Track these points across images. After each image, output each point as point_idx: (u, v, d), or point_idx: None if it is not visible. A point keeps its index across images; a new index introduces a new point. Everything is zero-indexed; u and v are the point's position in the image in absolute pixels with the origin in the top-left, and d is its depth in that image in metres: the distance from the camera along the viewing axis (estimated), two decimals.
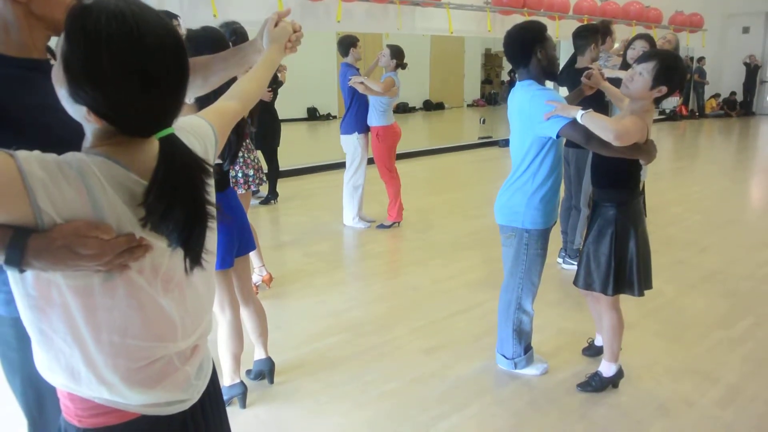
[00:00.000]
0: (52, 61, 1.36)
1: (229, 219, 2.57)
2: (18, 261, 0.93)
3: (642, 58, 2.54)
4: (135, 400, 1.09)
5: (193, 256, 1.08)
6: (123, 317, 1.04)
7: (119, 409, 1.09)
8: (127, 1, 0.97)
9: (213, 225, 1.11)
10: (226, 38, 2.57)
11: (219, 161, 2.51)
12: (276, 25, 1.57)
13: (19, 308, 1.03)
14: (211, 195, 1.12)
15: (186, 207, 1.03)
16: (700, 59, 15.31)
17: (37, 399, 1.42)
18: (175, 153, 1.03)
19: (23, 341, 1.22)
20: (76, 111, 1.00)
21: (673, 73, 2.48)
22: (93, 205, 0.96)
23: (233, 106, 1.40)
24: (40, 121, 1.25)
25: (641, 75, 2.49)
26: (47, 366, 1.06)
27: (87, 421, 1.09)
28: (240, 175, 3.82)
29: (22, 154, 0.92)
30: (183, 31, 3.06)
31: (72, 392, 1.08)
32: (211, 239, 1.15)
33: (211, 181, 1.13)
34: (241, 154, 3.73)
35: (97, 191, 0.97)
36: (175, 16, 3.51)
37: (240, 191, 3.81)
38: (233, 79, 1.68)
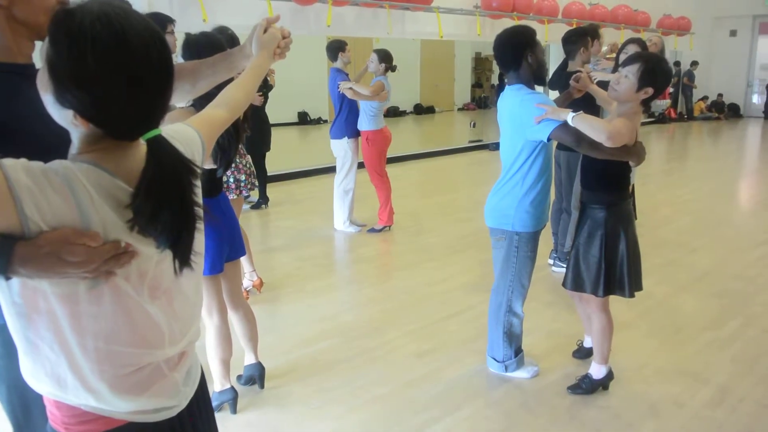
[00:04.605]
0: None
1: (217, 221, 2.57)
2: (4, 268, 0.93)
3: (627, 61, 2.57)
4: (122, 407, 1.09)
5: (182, 258, 1.09)
6: (109, 324, 1.03)
7: (106, 417, 1.08)
8: (110, 4, 0.97)
9: (200, 226, 1.11)
10: (224, 44, 2.57)
11: (213, 166, 2.51)
12: (265, 31, 1.57)
13: (5, 316, 1.02)
14: (198, 196, 1.12)
15: (174, 208, 1.03)
16: (693, 63, 15.41)
17: (23, 406, 1.41)
18: (163, 154, 1.03)
19: (8, 348, 1.21)
20: (63, 116, 1.00)
21: (657, 74, 2.51)
22: (79, 213, 0.96)
23: (221, 113, 1.40)
24: (26, 126, 1.24)
25: (627, 77, 2.51)
26: (33, 374, 1.06)
27: (74, 429, 1.09)
28: (232, 180, 3.81)
29: (7, 162, 0.92)
30: (177, 36, 3.06)
31: (58, 400, 1.07)
32: (199, 241, 1.15)
33: (198, 183, 1.13)
34: None
35: (84, 198, 0.97)
36: (171, 21, 3.51)
37: (231, 196, 3.80)
38: (227, 82, 1.68)
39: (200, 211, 1.10)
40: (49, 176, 0.95)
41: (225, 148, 2.47)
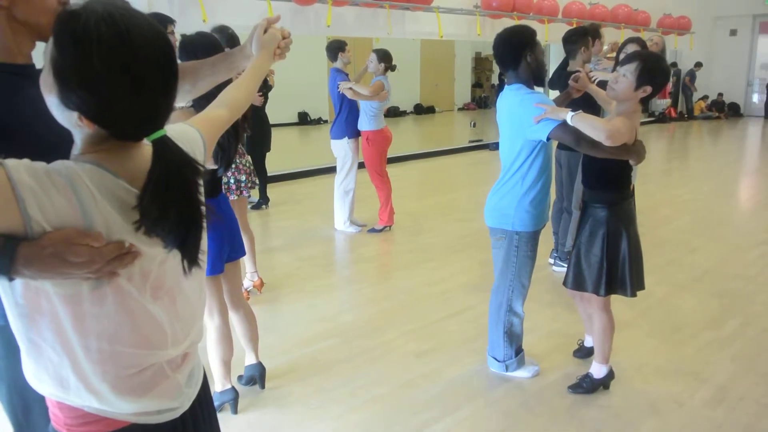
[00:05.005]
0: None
1: (221, 220, 2.57)
2: (7, 269, 0.93)
3: (625, 60, 2.58)
4: (125, 409, 1.09)
5: (191, 258, 1.09)
6: (112, 325, 1.03)
7: (109, 418, 1.09)
8: (114, 5, 0.97)
9: (204, 226, 1.12)
10: (221, 44, 2.57)
11: (214, 167, 2.51)
12: (265, 31, 1.57)
13: (8, 317, 1.02)
14: (203, 196, 1.13)
15: (181, 208, 1.03)
16: (697, 64, 15.42)
17: (24, 406, 1.41)
18: (169, 155, 1.03)
19: (9, 348, 1.21)
20: (67, 117, 1.00)
21: (656, 73, 2.51)
22: (83, 213, 0.96)
23: (222, 113, 1.40)
24: (27, 127, 1.24)
25: (625, 77, 2.52)
26: (35, 375, 1.06)
27: (76, 430, 1.09)
28: (232, 181, 3.81)
29: (10, 162, 0.92)
30: (177, 36, 3.06)
31: (61, 401, 1.07)
32: (204, 240, 1.15)
33: (202, 183, 1.13)
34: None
35: (87, 199, 0.97)
36: (171, 21, 3.51)
37: (232, 197, 3.80)
38: (227, 83, 1.68)
39: (204, 210, 1.11)
40: (52, 177, 0.95)
41: (225, 147, 2.48)
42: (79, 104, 0.97)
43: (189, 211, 1.05)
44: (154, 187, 1.00)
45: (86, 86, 0.95)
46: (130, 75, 0.97)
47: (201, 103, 2.14)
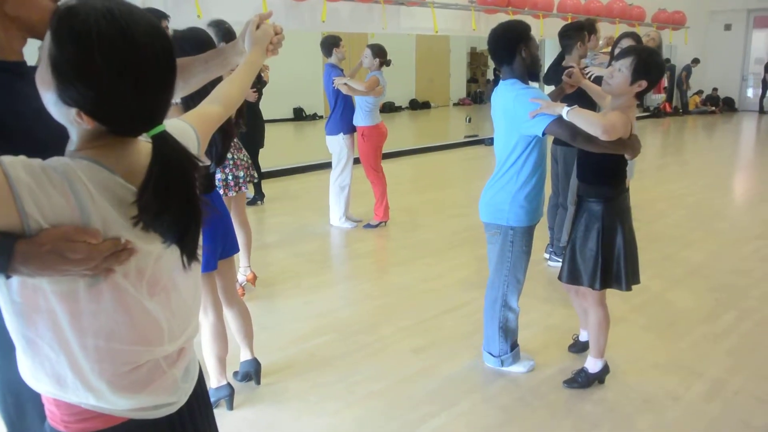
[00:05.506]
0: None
1: (220, 214, 2.57)
2: (5, 267, 0.92)
3: (620, 55, 2.58)
4: (122, 405, 1.09)
5: (190, 253, 1.09)
6: (109, 322, 1.03)
7: (106, 414, 1.09)
8: (113, 1, 0.97)
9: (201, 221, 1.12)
10: (212, 40, 2.55)
11: (207, 162, 2.50)
12: (258, 27, 1.57)
13: (4, 315, 1.02)
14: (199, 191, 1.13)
15: (181, 203, 1.03)
16: (694, 60, 15.44)
17: (17, 404, 1.40)
18: (169, 150, 1.03)
19: (4, 348, 1.20)
20: (64, 114, 0.99)
21: (651, 67, 2.51)
22: (80, 210, 0.96)
23: (216, 109, 1.40)
24: (22, 124, 1.24)
25: (620, 71, 2.52)
26: (32, 373, 1.06)
27: (73, 427, 1.09)
28: (230, 177, 3.78)
29: (6, 159, 0.92)
30: (170, 32, 3.06)
31: (58, 398, 1.07)
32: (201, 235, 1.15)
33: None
34: (230, 155, 3.71)
35: (84, 195, 0.97)
36: (166, 16, 3.50)
37: (231, 194, 3.78)
38: (219, 79, 1.68)
39: (201, 206, 1.10)
40: (49, 173, 0.95)
41: (212, 142, 2.46)
42: (78, 100, 0.96)
43: (189, 206, 1.05)
44: (155, 183, 1.00)
45: (86, 82, 0.95)
46: (130, 71, 0.96)
47: (189, 100, 2.14)
